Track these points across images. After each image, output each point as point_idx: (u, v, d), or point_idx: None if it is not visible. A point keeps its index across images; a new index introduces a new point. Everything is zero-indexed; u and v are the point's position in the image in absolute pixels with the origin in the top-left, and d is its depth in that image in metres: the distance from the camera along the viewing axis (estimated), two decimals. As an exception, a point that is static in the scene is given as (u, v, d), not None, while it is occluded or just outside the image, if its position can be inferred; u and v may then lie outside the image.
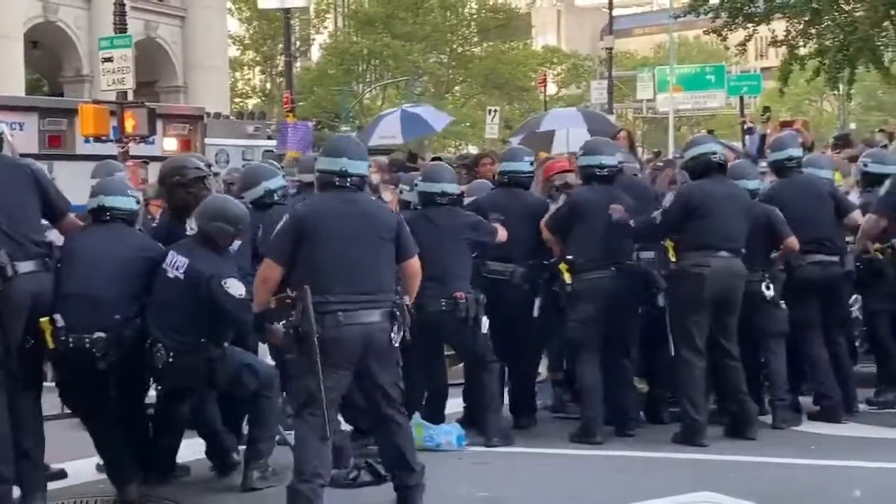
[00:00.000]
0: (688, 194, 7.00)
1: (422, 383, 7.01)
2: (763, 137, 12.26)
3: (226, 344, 5.91)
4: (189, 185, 6.22)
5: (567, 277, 6.82)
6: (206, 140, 18.09)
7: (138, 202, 6.17)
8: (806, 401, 7.46)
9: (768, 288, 7.03)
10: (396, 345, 5.40)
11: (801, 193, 7.41)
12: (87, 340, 5.52)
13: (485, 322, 6.73)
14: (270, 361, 6.36)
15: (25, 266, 5.47)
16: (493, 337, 6.88)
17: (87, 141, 15.72)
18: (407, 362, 6.18)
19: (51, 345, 5.51)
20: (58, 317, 5.52)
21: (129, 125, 15.59)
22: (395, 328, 5.35)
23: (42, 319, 5.50)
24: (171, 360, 5.70)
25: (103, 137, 15.40)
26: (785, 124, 13.52)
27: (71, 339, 5.51)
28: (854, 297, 7.73)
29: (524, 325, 7.12)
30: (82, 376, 5.72)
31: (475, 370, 6.97)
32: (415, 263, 5.61)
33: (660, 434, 6.91)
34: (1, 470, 5.40)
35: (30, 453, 5.57)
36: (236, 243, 6.01)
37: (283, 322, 5.44)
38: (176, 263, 5.84)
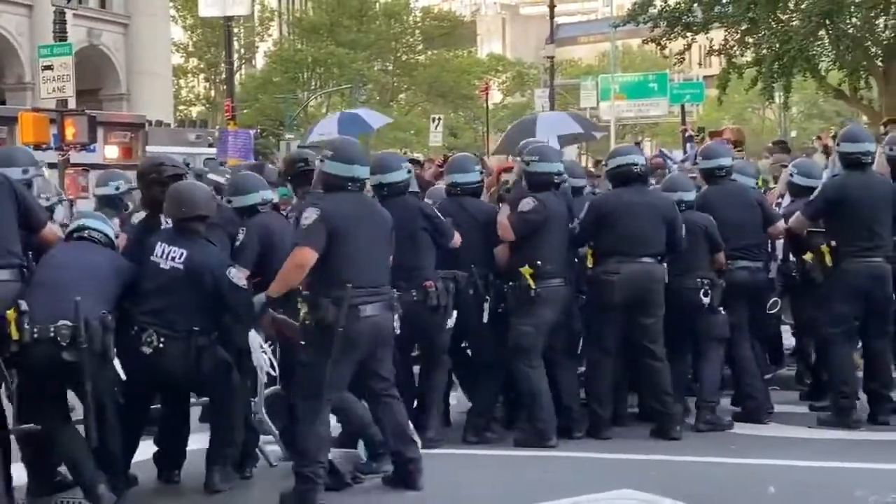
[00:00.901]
0: (599, 203, 7.27)
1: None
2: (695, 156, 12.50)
3: (216, 335, 5.97)
4: (165, 183, 6.22)
5: (531, 282, 6.89)
6: (148, 147, 18.07)
7: (117, 235, 6.28)
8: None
9: (706, 295, 7.21)
10: (397, 332, 5.87)
11: (732, 202, 7.62)
12: (51, 329, 5.47)
13: (453, 316, 6.90)
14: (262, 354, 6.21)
15: (3, 275, 5.55)
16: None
17: (31, 148, 15.61)
18: None
19: (15, 335, 5.43)
20: (22, 302, 5.47)
21: (70, 133, 15.57)
22: (396, 318, 5.85)
23: (7, 311, 5.45)
24: (161, 345, 5.77)
25: (43, 145, 15.34)
26: (714, 134, 13.80)
27: (35, 329, 5.45)
28: (775, 301, 7.92)
29: (474, 331, 7.19)
30: (47, 372, 5.58)
31: (430, 366, 7.09)
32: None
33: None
34: None
35: None
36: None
37: (303, 313, 5.69)
38: (170, 254, 5.91)
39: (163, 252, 5.93)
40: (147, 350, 5.78)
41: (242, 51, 50.41)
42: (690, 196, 7.56)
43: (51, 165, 12.64)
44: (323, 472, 5.68)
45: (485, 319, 7.05)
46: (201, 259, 5.90)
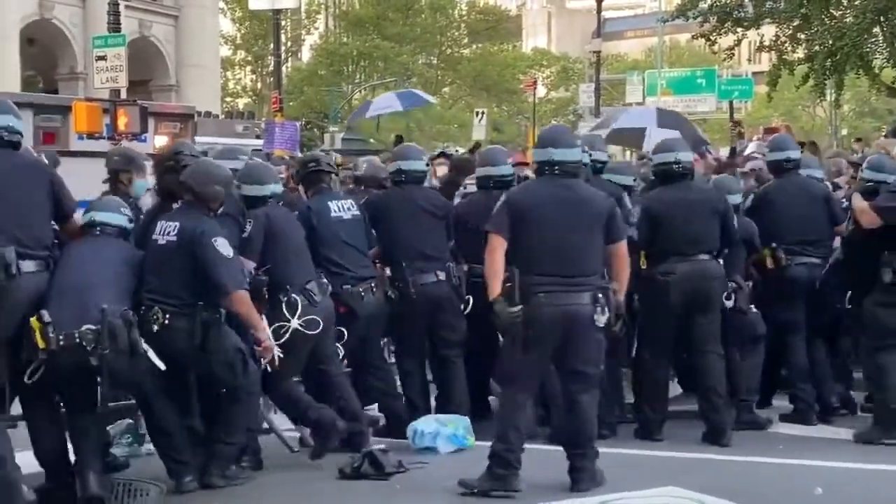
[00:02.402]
0: (650, 205, 7.14)
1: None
2: (733, 150, 12.42)
3: (223, 312, 5.92)
4: (180, 172, 6.22)
5: None
6: (196, 138, 18.23)
7: (131, 220, 6.23)
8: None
9: (728, 298, 7.15)
10: (601, 325, 5.73)
11: (796, 195, 7.55)
12: (76, 335, 5.49)
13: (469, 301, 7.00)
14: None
15: (29, 265, 5.58)
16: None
17: (80, 138, 15.90)
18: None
19: (41, 344, 5.45)
20: (44, 312, 5.50)
21: (122, 123, 15.79)
22: (599, 310, 5.70)
23: (31, 319, 5.49)
24: (166, 321, 5.77)
25: (96, 134, 15.58)
26: (769, 130, 13.71)
27: (61, 337, 5.46)
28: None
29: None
30: (74, 375, 5.63)
31: (449, 358, 7.20)
32: (623, 247, 5.96)
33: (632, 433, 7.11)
34: None
35: None
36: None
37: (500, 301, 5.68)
38: (166, 229, 5.95)
39: (161, 229, 5.97)
40: (155, 328, 5.77)
41: (289, 44, 50.67)
42: (737, 199, 7.48)
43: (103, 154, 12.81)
44: (518, 458, 5.74)
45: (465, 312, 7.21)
46: (192, 228, 5.89)
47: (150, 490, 5.96)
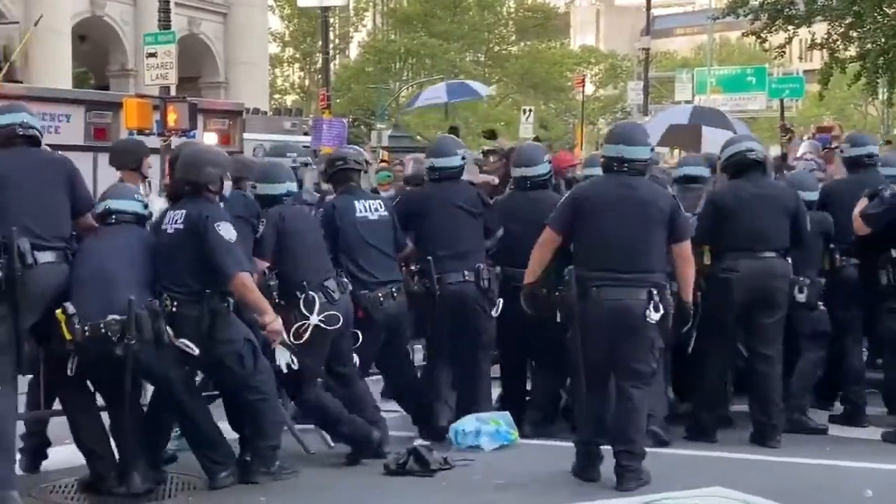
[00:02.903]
0: (717, 197, 7.00)
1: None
2: (784, 156, 12.26)
3: (231, 301, 5.86)
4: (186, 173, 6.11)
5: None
6: (245, 135, 18.41)
7: (146, 206, 6.21)
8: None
9: (801, 291, 6.99)
10: (653, 322, 5.74)
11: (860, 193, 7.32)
12: (101, 326, 5.51)
13: (499, 303, 6.92)
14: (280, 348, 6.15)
15: (45, 256, 5.59)
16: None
17: (130, 133, 16.05)
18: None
19: (68, 336, 5.51)
20: (68, 304, 5.54)
21: (172, 119, 15.93)
22: (652, 307, 5.71)
23: (57, 311, 5.54)
24: (174, 309, 5.73)
25: (146, 131, 15.74)
26: (821, 129, 13.54)
27: (87, 328, 5.50)
28: None
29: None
30: (103, 366, 5.67)
31: (473, 359, 7.07)
32: (686, 247, 5.99)
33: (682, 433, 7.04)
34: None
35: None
36: (227, 186, 6.10)
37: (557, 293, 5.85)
38: (174, 217, 5.92)
39: (169, 218, 5.94)
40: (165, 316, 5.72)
41: (337, 41, 50.86)
42: (814, 196, 7.38)
43: (153, 150, 12.95)
44: (596, 452, 5.87)
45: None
46: (197, 213, 5.85)
47: (198, 484, 6.02)
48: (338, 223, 6.84)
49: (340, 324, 6.28)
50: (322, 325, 6.19)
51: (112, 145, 7.94)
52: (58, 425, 6.20)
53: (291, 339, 6.06)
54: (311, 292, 6.20)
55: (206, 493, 5.92)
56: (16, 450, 5.75)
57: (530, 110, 31.81)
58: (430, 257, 6.95)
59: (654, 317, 5.73)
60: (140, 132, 15.78)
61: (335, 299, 6.32)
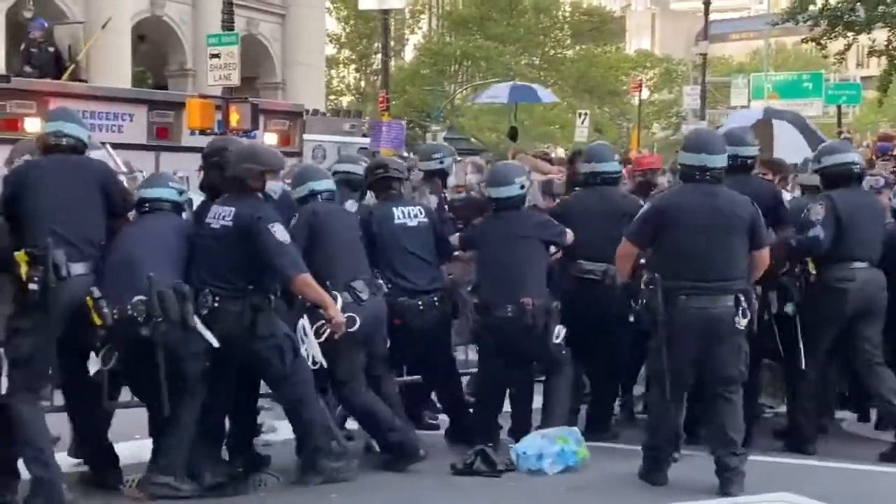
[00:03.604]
0: (834, 206, 6.73)
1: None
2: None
3: (273, 298, 5.84)
4: (225, 169, 6.12)
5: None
6: (305, 136, 18.50)
7: (181, 192, 6.21)
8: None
9: None
10: (742, 328, 5.79)
11: None
12: (128, 308, 5.51)
13: (558, 330, 6.64)
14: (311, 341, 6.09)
15: (79, 268, 5.61)
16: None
17: (192, 133, 16.24)
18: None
19: (98, 321, 5.49)
20: (94, 289, 5.54)
21: (234, 119, 16.11)
22: (740, 313, 5.77)
23: (86, 298, 5.53)
24: (216, 304, 5.72)
25: (208, 130, 15.91)
26: (885, 138, 13.37)
27: (115, 311, 5.51)
28: None
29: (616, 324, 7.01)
30: (133, 353, 5.61)
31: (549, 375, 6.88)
32: (765, 254, 6.04)
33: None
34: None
35: None
36: (277, 185, 6.05)
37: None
38: (221, 213, 5.88)
39: (216, 213, 5.92)
40: (204, 311, 5.72)
41: (392, 43, 51.01)
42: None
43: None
44: (667, 458, 5.91)
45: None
46: (249, 213, 5.82)
47: (267, 480, 6.09)
48: (374, 229, 6.83)
49: (358, 327, 6.17)
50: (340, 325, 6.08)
51: None
52: (124, 421, 6.25)
53: (314, 338, 6.02)
54: (334, 291, 6.14)
55: (279, 490, 5.98)
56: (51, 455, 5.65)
57: (586, 114, 31.75)
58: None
59: (742, 323, 5.79)
60: (202, 132, 15.98)
61: (362, 300, 6.26)
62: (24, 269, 5.45)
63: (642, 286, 5.84)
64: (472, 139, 37.58)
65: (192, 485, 5.80)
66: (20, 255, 5.49)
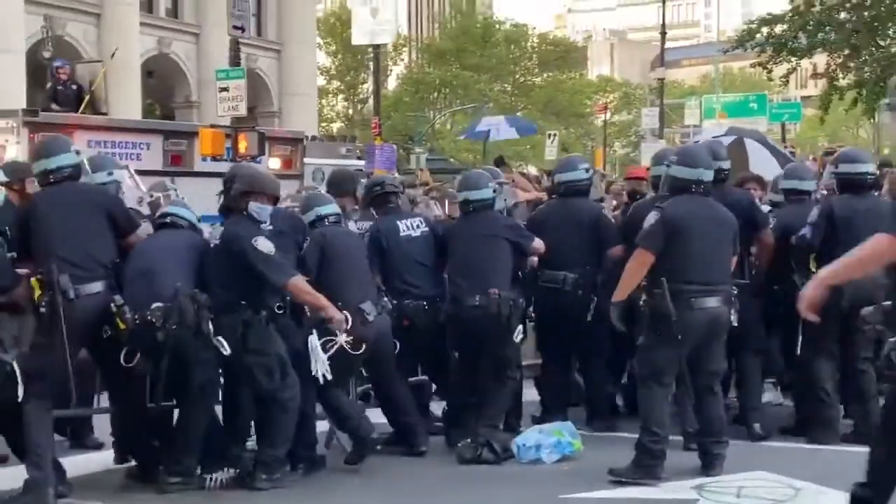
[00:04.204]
0: (829, 207, 6.66)
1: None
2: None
3: (265, 314, 5.70)
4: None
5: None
6: (305, 160, 18.55)
7: (199, 219, 6.17)
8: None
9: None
10: (734, 325, 5.86)
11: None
12: (147, 314, 5.48)
13: (519, 330, 6.57)
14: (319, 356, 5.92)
15: (91, 287, 5.54)
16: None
17: (204, 159, 16.27)
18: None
19: (121, 325, 5.47)
20: (117, 297, 5.52)
21: (242, 146, 16.14)
22: (734, 312, 5.87)
23: (110, 304, 5.51)
24: (212, 318, 5.62)
25: (219, 157, 15.95)
26: (831, 153, 13.47)
27: (136, 317, 5.48)
28: None
29: (585, 329, 6.98)
30: (154, 354, 5.57)
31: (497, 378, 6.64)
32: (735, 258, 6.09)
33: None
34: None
35: None
36: (265, 208, 5.86)
37: (643, 300, 5.75)
38: (216, 235, 5.91)
39: (215, 234, 5.90)
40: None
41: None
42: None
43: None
44: (664, 449, 5.78)
45: (589, 318, 6.83)
46: (234, 230, 5.76)
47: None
48: (384, 244, 6.79)
49: (364, 349, 6.10)
50: (346, 346, 6.00)
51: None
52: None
53: (321, 353, 5.91)
54: (344, 312, 6.01)
55: (292, 482, 5.90)
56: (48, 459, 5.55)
57: (554, 135, 31.82)
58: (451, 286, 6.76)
59: (735, 321, 5.92)
60: (214, 158, 16.02)
61: (369, 322, 6.17)
62: (37, 294, 5.43)
63: (643, 291, 5.85)
64: (451, 160, 37.70)
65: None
66: (34, 282, 5.46)
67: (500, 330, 6.47)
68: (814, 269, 6.49)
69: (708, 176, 5.99)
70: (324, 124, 48.14)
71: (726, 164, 6.91)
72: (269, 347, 5.74)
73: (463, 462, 6.30)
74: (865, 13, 22.11)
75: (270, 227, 6.03)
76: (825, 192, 7.81)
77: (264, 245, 5.67)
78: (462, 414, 6.70)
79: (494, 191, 6.87)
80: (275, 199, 6.04)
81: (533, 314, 7.03)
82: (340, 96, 52.20)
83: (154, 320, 5.47)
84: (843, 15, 22.59)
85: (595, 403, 7.27)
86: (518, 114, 51.45)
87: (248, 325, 5.67)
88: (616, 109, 56.61)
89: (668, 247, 5.81)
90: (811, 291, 4.10)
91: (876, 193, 7.23)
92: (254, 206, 5.82)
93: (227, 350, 5.60)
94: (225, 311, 5.65)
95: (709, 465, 5.92)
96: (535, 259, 7.02)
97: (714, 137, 11.40)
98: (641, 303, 5.86)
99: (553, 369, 7.26)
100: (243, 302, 5.67)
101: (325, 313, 5.83)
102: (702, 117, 39.81)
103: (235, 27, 17.49)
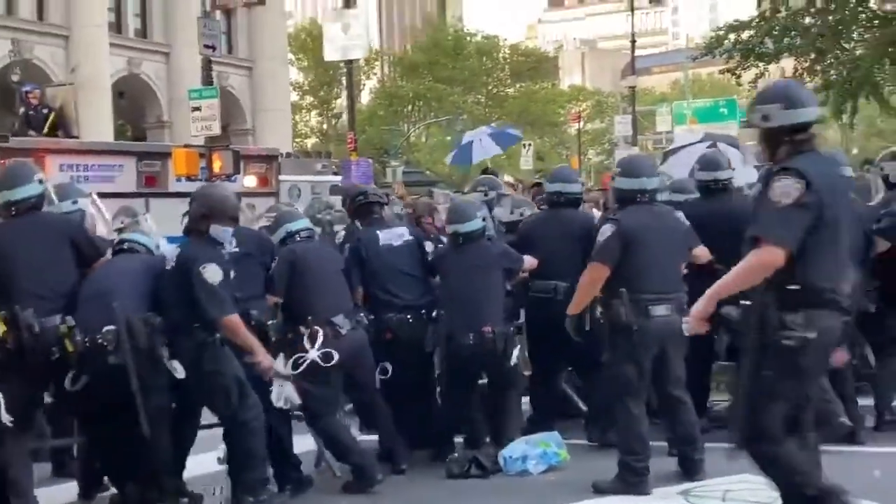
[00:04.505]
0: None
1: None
2: None
3: (220, 336, 5.50)
4: None
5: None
6: (280, 177, 18.52)
7: (157, 246, 6.04)
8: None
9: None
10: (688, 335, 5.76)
11: None
12: (98, 337, 5.34)
13: (514, 354, 6.51)
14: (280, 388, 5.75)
15: (54, 320, 5.45)
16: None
17: (178, 180, 16.22)
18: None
19: (70, 347, 5.34)
20: (69, 318, 5.41)
21: (217, 166, 16.11)
22: (685, 320, 5.72)
23: (60, 326, 5.40)
24: (167, 341, 5.47)
25: (193, 177, 15.91)
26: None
27: (87, 339, 5.35)
28: None
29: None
30: (100, 380, 5.43)
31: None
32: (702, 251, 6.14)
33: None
34: None
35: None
36: (228, 229, 5.71)
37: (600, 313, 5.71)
38: (173, 256, 5.68)
39: (171, 255, 5.71)
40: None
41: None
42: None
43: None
44: (647, 466, 5.72)
45: (587, 328, 6.60)
46: (186, 253, 5.58)
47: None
48: (363, 254, 6.72)
49: (336, 361, 5.97)
50: (319, 360, 5.91)
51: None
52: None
53: (291, 370, 5.79)
54: (315, 326, 5.95)
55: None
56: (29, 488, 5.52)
57: (529, 144, 32.03)
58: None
59: (686, 329, 5.83)
60: (188, 178, 15.97)
61: (341, 335, 6.07)
62: (2, 330, 5.36)
63: (600, 303, 5.83)
64: (427, 172, 37.75)
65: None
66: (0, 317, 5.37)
67: (496, 362, 6.47)
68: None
69: (651, 184, 5.96)
70: (298, 140, 48.09)
71: (724, 175, 6.84)
72: (224, 369, 5.55)
73: (451, 476, 6.29)
74: (830, 17, 22.36)
75: (236, 250, 5.97)
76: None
77: (211, 274, 5.46)
78: (448, 437, 6.66)
79: (484, 219, 6.78)
80: (235, 221, 5.83)
81: (523, 324, 6.99)
82: (314, 112, 52.17)
83: (105, 343, 5.34)
84: (808, 20, 22.85)
85: (596, 414, 7.09)
86: (493, 124, 51.84)
87: (203, 347, 5.51)
88: (589, 118, 56.93)
89: (624, 258, 5.78)
90: (702, 307, 4.14)
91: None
92: (215, 229, 5.67)
93: (180, 374, 5.46)
94: (179, 333, 5.51)
95: (690, 470, 5.93)
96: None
97: (690, 144, 11.53)
98: (599, 315, 5.83)
99: (543, 379, 7.21)
100: (197, 325, 5.51)
101: (254, 357, 5.59)
102: (673, 123, 40.16)
103: (206, 46, 17.47)
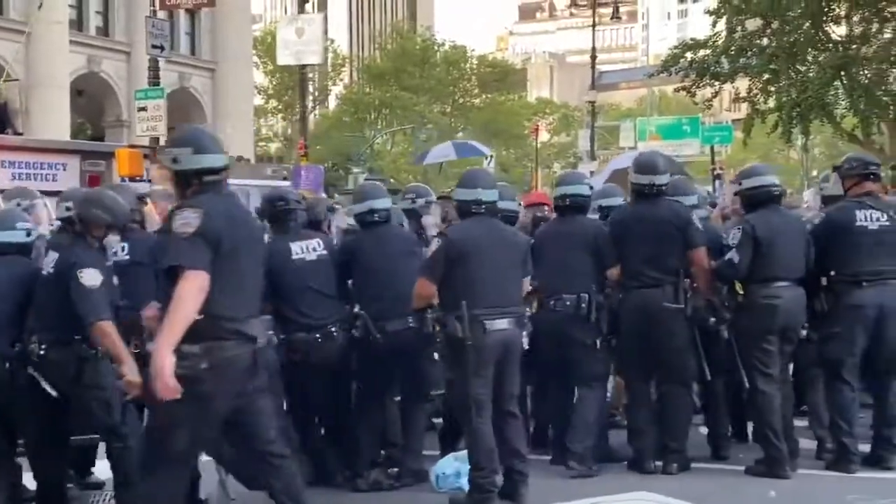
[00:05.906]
0: (752, 229, 6.25)
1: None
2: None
3: (101, 348, 5.17)
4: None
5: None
6: (231, 181, 18.38)
7: (29, 234, 5.66)
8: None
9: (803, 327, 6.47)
10: (525, 348, 5.77)
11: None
12: None
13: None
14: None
15: None
16: None
17: (122, 180, 16.07)
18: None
19: None
20: None
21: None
22: (524, 334, 5.81)
23: None
24: (42, 352, 5.22)
25: (137, 178, 15.77)
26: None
27: None
28: None
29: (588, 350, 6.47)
30: None
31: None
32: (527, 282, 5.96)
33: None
34: None
35: None
36: (114, 239, 5.54)
37: (442, 330, 5.49)
38: (50, 261, 5.34)
39: (48, 260, 5.39)
40: (34, 359, 5.25)
41: (316, 93, 51.12)
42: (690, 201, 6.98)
43: (143, 196, 12.92)
44: (496, 481, 5.55)
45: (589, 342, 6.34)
46: (65, 259, 5.25)
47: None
48: (270, 266, 5.72)
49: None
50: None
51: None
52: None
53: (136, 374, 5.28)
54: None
55: None
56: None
57: (492, 156, 32.02)
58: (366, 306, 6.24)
59: (525, 342, 5.89)
60: (132, 179, 15.81)
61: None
62: None
63: (435, 321, 5.59)
64: (391, 180, 37.72)
65: None
66: None
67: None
68: (739, 290, 6.34)
69: (488, 196, 5.68)
70: (262, 144, 47.98)
71: (661, 179, 6.52)
72: (105, 382, 5.26)
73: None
74: (785, 38, 22.57)
75: (127, 257, 5.79)
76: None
77: (89, 277, 5.16)
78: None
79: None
80: (118, 227, 5.56)
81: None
82: (279, 115, 51.99)
83: None
84: (763, 41, 23.05)
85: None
86: (458, 134, 51.94)
87: (83, 360, 5.23)
88: (555, 131, 57.18)
89: (455, 272, 5.55)
90: (164, 364, 4.01)
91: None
92: (105, 238, 5.47)
93: (53, 392, 5.21)
94: (57, 345, 5.23)
95: (515, 484, 5.65)
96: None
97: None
98: (435, 332, 5.61)
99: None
100: (77, 336, 5.20)
101: (121, 369, 5.11)
102: (636, 139, 40.38)
103: (154, 46, 17.31)
